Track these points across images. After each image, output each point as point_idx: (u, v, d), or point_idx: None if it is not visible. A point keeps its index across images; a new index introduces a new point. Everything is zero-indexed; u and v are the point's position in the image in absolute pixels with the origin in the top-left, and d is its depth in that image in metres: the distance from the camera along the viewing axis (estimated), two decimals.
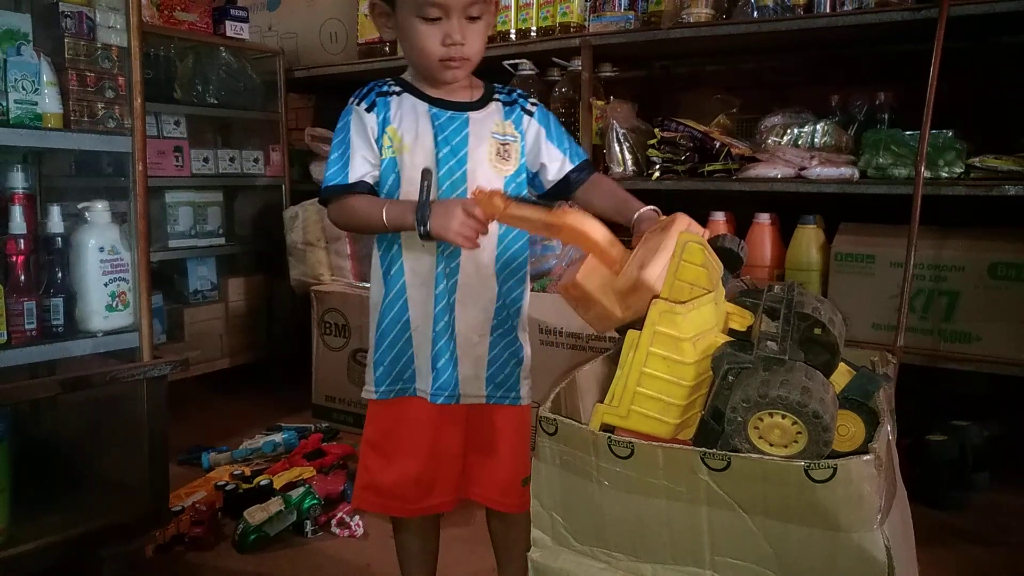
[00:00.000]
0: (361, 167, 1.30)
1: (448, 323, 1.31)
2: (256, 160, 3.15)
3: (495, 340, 1.34)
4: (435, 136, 1.29)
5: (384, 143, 1.30)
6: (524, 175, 1.37)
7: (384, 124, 1.30)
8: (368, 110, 1.30)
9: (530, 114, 1.36)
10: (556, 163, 1.37)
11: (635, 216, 1.26)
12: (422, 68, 1.30)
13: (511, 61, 2.70)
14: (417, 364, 1.34)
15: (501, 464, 1.37)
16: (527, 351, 1.40)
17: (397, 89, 1.33)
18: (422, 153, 1.29)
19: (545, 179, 1.39)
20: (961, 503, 2.05)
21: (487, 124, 1.32)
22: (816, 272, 2.29)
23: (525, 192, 1.38)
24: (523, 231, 1.33)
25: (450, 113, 1.30)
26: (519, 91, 1.40)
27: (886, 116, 2.36)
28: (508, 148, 1.33)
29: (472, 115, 1.32)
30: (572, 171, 1.38)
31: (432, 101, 1.31)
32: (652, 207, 1.28)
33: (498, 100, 1.36)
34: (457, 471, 1.40)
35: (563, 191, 1.40)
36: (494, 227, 1.30)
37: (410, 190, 1.27)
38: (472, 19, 1.23)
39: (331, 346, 2.73)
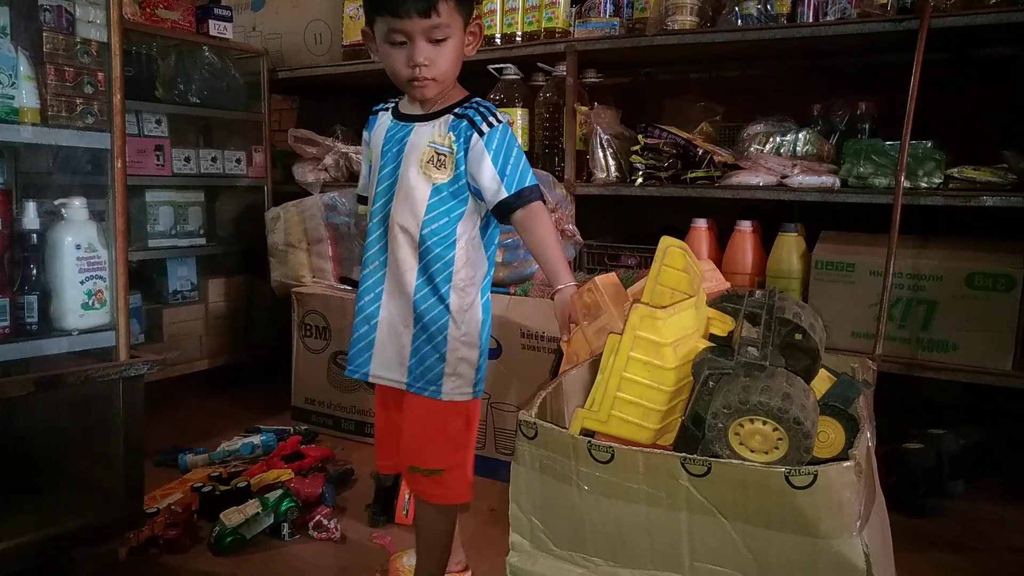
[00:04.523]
0: (361, 181, 1.63)
1: (375, 310, 1.46)
2: (238, 160, 3.12)
3: (418, 333, 1.43)
4: (383, 146, 1.46)
5: (369, 155, 1.54)
6: (461, 187, 1.40)
7: (370, 139, 1.53)
8: (366, 128, 1.56)
9: (481, 133, 1.37)
10: (492, 189, 1.38)
11: (554, 291, 1.39)
12: (398, 87, 1.44)
13: (496, 65, 2.70)
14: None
15: (403, 448, 1.51)
16: (464, 352, 1.44)
17: (389, 106, 1.52)
18: (375, 160, 1.48)
19: (485, 201, 1.40)
20: (937, 511, 2.06)
21: (427, 134, 1.41)
22: (797, 280, 2.31)
23: (459, 203, 1.41)
24: (449, 246, 1.41)
25: (401, 124, 1.45)
26: (483, 108, 1.41)
27: (867, 126, 2.38)
28: (443, 158, 1.39)
29: (417, 125, 1.43)
30: (503, 200, 1.38)
31: (397, 116, 1.47)
32: (573, 283, 1.36)
33: (454, 113, 1.41)
34: (396, 442, 1.53)
35: (500, 218, 1.43)
36: (416, 228, 1.40)
37: (369, 194, 1.50)
38: (436, 41, 1.34)
39: (311, 348, 2.71)
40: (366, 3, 1.38)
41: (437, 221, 1.40)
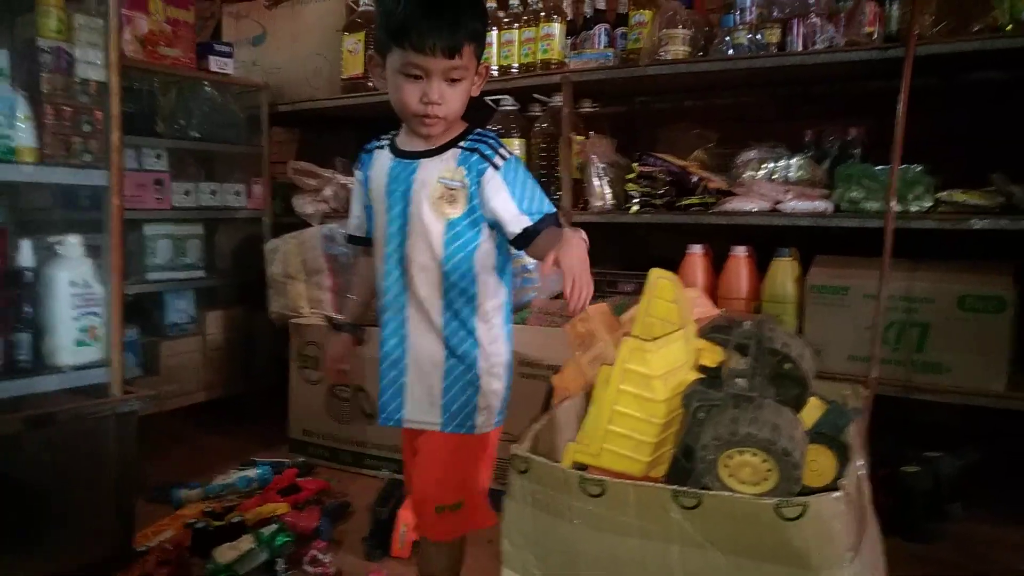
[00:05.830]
0: (352, 222, 1.57)
1: (401, 354, 1.43)
2: (238, 193, 3.15)
3: (449, 370, 1.41)
4: (387, 185, 1.42)
5: (368, 194, 1.48)
6: (476, 219, 1.38)
7: (366, 178, 1.49)
8: (358, 168, 1.53)
9: (496, 167, 1.35)
10: (513, 221, 1.35)
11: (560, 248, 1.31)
12: (402, 119, 1.42)
13: (493, 97, 2.74)
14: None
15: (423, 487, 1.47)
16: (494, 384, 1.43)
17: (383, 144, 1.48)
18: (378, 201, 1.45)
19: (506, 232, 1.37)
20: (936, 534, 2.05)
21: (435, 169, 1.38)
22: (792, 304, 2.31)
23: (474, 235, 1.38)
24: (472, 279, 1.39)
25: (405, 162, 1.41)
26: (492, 141, 1.39)
27: (858, 151, 2.40)
28: (455, 193, 1.37)
29: (423, 161, 1.40)
30: (531, 227, 1.35)
31: (397, 153, 1.43)
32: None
33: (460, 147, 1.38)
34: None
35: (520, 245, 1.39)
36: (435, 265, 1.38)
37: (377, 235, 1.46)
38: (452, 81, 1.33)
39: (309, 379, 2.71)
40: (383, 31, 1.34)
41: (456, 256, 1.38)
